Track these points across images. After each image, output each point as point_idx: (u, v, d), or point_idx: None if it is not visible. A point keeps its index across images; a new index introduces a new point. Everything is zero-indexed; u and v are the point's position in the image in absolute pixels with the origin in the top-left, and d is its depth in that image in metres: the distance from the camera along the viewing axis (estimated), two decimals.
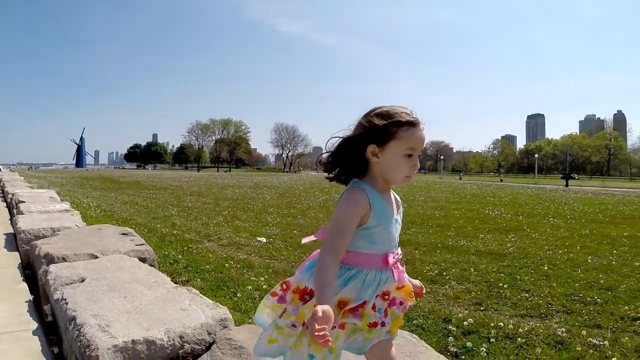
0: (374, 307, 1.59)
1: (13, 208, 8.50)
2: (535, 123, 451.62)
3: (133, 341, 2.12)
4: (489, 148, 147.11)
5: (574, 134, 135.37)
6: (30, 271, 4.61)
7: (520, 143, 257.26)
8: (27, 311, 3.34)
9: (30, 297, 3.68)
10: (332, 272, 1.46)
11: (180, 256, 5.96)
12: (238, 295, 4.32)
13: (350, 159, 1.59)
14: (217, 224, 9.66)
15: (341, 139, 1.61)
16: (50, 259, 3.86)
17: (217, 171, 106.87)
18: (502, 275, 5.50)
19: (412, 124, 1.54)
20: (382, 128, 1.53)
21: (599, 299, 4.64)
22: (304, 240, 1.74)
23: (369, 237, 1.56)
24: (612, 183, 65.91)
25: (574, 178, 57.10)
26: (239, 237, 7.91)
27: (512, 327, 3.64)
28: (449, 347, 3.20)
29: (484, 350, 3.15)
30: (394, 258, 1.62)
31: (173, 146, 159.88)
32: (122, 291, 2.89)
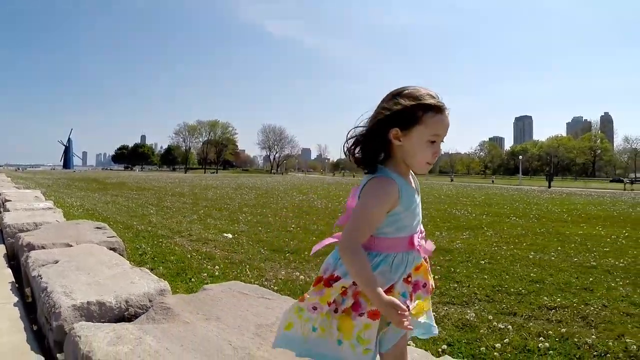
0: (399, 292, 1.56)
1: (0, 206, 9.14)
2: (523, 125, 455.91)
3: (88, 302, 2.83)
4: (475, 150, 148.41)
5: (559, 135, 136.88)
6: (15, 261, 5.27)
7: (508, 144, 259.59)
8: (10, 290, 4.02)
9: (13, 280, 4.36)
10: (367, 262, 1.47)
11: (149, 249, 6.67)
12: (193, 280, 5.04)
13: (373, 142, 1.56)
14: (190, 222, 10.38)
15: (366, 123, 1.59)
16: (31, 247, 4.55)
17: (205, 172, 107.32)
18: (439, 267, 6.01)
19: (439, 109, 1.51)
20: (407, 112, 1.49)
21: (524, 290, 5.02)
22: (317, 247, 1.75)
23: (396, 222, 1.55)
24: (595, 184, 66.81)
25: (552, 180, 58.10)
26: (207, 233, 8.62)
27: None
28: None
29: None
30: (419, 238, 1.61)
31: (162, 147, 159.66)
32: (87, 270, 3.60)
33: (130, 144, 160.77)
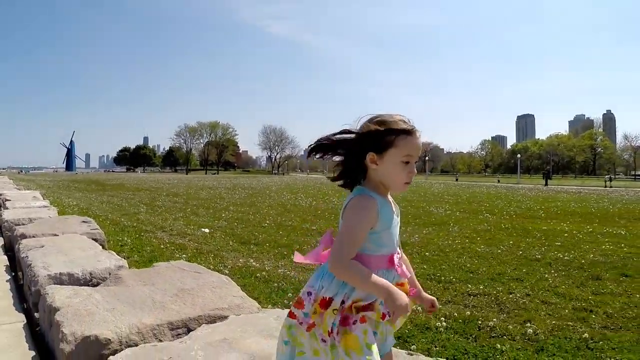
0: (381, 303, 1.61)
1: (0, 206, 10.03)
2: (525, 123, 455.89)
3: (60, 273, 3.69)
4: (476, 149, 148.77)
5: (560, 133, 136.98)
6: (11, 252, 6.14)
7: (511, 143, 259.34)
8: (4, 271, 4.89)
9: (8, 264, 5.23)
10: (359, 265, 1.54)
11: (130, 241, 7.56)
12: None
13: (352, 166, 1.66)
14: (175, 219, 11.27)
15: (335, 139, 1.68)
16: (24, 237, 5.41)
17: (206, 173, 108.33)
18: None
19: (409, 132, 1.60)
20: (379, 137, 1.58)
21: (454, 279, 5.34)
22: (299, 259, 1.78)
23: (376, 240, 1.62)
24: (594, 182, 66.86)
25: (549, 178, 58.38)
26: (187, 228, 9.50)
27: None
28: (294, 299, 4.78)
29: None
30: (397, 257, 1.69)
31: (164, 149, 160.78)
32: (65, 252, 4.46)
33: (133, 146, 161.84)
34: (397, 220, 1.69)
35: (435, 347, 3.45)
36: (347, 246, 1.55)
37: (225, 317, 2.75)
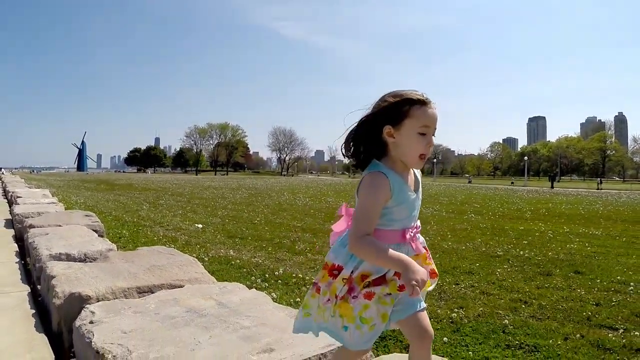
0: (398, 275, 1.63)
1: (12, 202, 10.92)
2: (537, 125, 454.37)
3: (59, 253, 4.49)
4: (486, 151, 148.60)
5: (569, 136, 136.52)
6: (22, 242, 6.96)
7: (522, 145, 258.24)
8: (15, 255, 5.71)
9: (17, 250, 6.06)
10: (376, 241, 1.59)
11: (127, 233, 8.38)
12: None
13: (370, 142, 1.68)
14: (174, 215, 12.10)
15: (357, 122, 1.71)
16: (32, 227, 6.24)
17: (215, 174, 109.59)
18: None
19: (423, 102, 1.62)
20: (394, 108, 1.61)
21: None
22: (335, 227, 1.91)
23: (388, 215, 1.66)
24: (606, 185, 66.31)
25: (554, 180, 58.41)
26: (183, 224, 10.31)
27: (299, 275, 5.95)
28: (257, 281, 5.54)
29: (265, 285, 4.99)
30: (411, 232, 1.72)
31: (175, 150, 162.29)
32: (66, 238, 5.27)
33: (144, 147, 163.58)
34: (413, 196, 1.71)
35: None
36: (363, 224, 1.61)
37: (182, 286, 3.52)
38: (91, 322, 2.55)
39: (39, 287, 4.25)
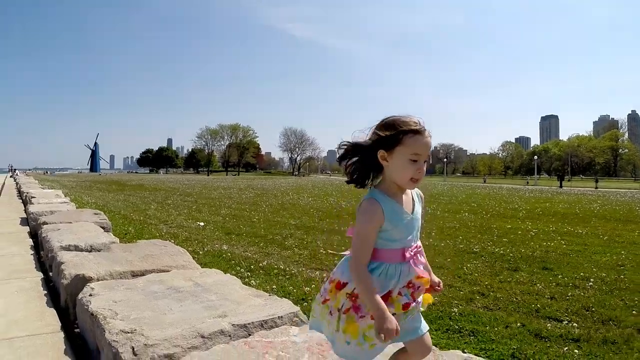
0: (400, 293, 1.76)
1: (27, 202, 11.69)
2: (549, 124, 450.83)
3: (69, 245, 5.17)
4: (497, 150, 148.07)
5: (580, 134, 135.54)
6: (36, 238, 7.66)
7: (534, 144, 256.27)
8: (30, 248, 6.42)
9: (32, 244, 6.77)
10: (369, 279, 1.70)
11: (133, 230, 9.09)
12: None
13: (366, 164, 1.77)
14: (179, 214, 12.83)
15: (350, 144, 1.80)
16: (45, 223, 6.95)
17: (226, 175, 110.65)
18: (326, 244, 7.88)
19: (417, 132, 1.69)
20: (389, 135, 1.70)
21: None
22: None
23: (386, 235, 1.75)
24: (610, 184, 65.34)
25: (563, 180, 58.38)
26: (186, 222, 11.02)
27: (280, 267, 6.60)
28: (241, 271, 6.20)
29: (248, 274, 5.61)
30: (411, 252, 1.79)
31: (188, 150, 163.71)
32: (75, 233, 5.96)
33: (157, 148, 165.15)
34: (409, 217, 1.78)
35: None
36: (360, 250, 1.72)
37: (170, 271, 4.17)
38: (90, 295, 3.21)
39: (50, 274, 4.93)
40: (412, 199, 1.83)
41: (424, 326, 1.88)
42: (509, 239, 8.94)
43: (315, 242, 8.21)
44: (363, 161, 1.78)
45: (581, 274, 6.01)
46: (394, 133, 1.70)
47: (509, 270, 6.19)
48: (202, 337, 2.44)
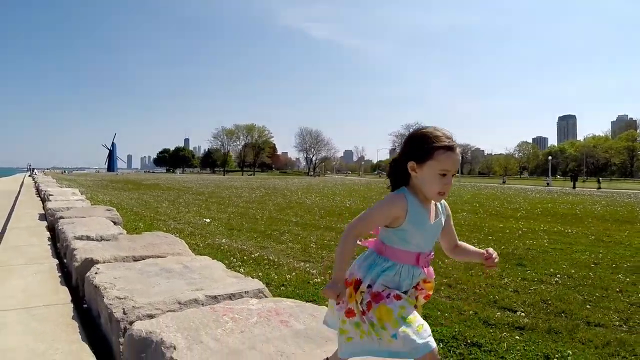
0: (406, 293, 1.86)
1: (45, 199, 12.50)
2: (567, 124, 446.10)
3: (81, 235, 5.84)
4: (513, 150, 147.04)
5: (596, 135, 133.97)
6: (53, 232, 8.38)
7: (550, 144, 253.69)
8: (47, 239, 7.14)
9: (49, 236, 7.49)
10: (350, 249, 1.82)
11: (142, 225, 9.78)
12: None
13: (396, 172, 1.87)
14: (187, 211, 13.54)
15: (392, 160, 1.92)
16: (61, 218, 7.66)
17: (242, 174, 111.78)
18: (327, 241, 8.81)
19: (449, 148, 1.74)
20: (422, 149, 1.76)
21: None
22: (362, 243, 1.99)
23: (403, 236, 1.82)
24: (625, 184, 64.53)
25: (576, 180, 57.95)
26: (193, 219, 11.70)
27: (270, 258, 7.25)
28: (234, 261, 6.83)
29: (240, 263, 6.35)
30: (424, 258, 1.88)
31: (205, 150, 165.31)
32: (88, 225, 6.65)
33: (174, 148, 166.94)
34: (433, 223, 1.86)
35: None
36: (360, 223, 1.82)
37: (166, 257, 4.81)
38: (96, 273, 3.86)
39: (65, 261, 5.61)
40: (437, 208, 1.91)
41: (432, 342, 1.74)
42: (496, 237, 9.24)
43: (309, 237, 8.79)
44: (394, 169, 1.88)
45: (551, 270, 6.20)
46: (425, 148, 1.75)
47: (483, 265, 6.62)
48: (179, 303, 3.08)
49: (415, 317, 1.73)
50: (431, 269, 1.95)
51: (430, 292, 1.96)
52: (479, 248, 2.12)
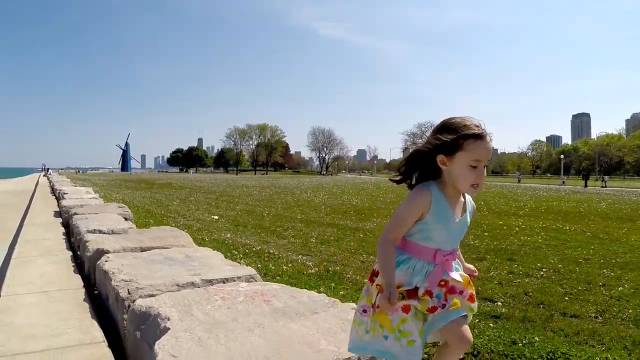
0: (429, 294, 1.77)
1: (59, 198, 13.02)
2: (581, 122, 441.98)
3: (94, 229, 6.25)
4: (527, 149, 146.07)
5: (609, 133, 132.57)
6: (67, 228, 8.84)
7: (564, 143, 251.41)
8: (62, 235, 7.58)
9: (64, 231, 7.93)
10: (390, 254, 1.76)
11: (153, 222, 10.19)
12: None
13: (425, 167, 1.79)
14: (197, 209, 13.98)
15: (412, 151, 1.84)
16: (75, 214, 8.11)
17: (255, 174, 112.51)
18: (329, 236, 8.90)
19: (479, 137, 1.68)
20: (450, 140, 1.69)
21: (358, 251, 7.03)
22: None
23: (425, 231, 1.78)
24: (637, 183, 64.00)
25: (588, 179, 57.71)
26: (202, 216, 12.13)
27: (271, 252, 7.63)
28: (235, 254, 7.22)
29: (241, 256, 6.86)
30: (444, 256, 1.81)
31: (218, 150, 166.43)
32: (100, 221, 7.07)
33: (187, 147, 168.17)
34: (458, 220, 1.82)
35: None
36: (393, 227, 1.79)
37: (170, 248, 5.21)
38: (106, 261, 4.27)
39: (78, 253, 6.04)
40: (465, 206, 1.87)
41: (461, 311, 1.81)
42: (492, 234, 9.31)
43: (311, 233, 9.14)
44: (421, 164, 1.81)
45: (539, 265, 6.27)
46: (454, 137, 1.69)
47: (474, 259, 6.48)
48: (177, 285, 3.47)
49: (411, 332, 1.75)
50: (454, 266, 1.91)
51: (471, 290, 1.91)
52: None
